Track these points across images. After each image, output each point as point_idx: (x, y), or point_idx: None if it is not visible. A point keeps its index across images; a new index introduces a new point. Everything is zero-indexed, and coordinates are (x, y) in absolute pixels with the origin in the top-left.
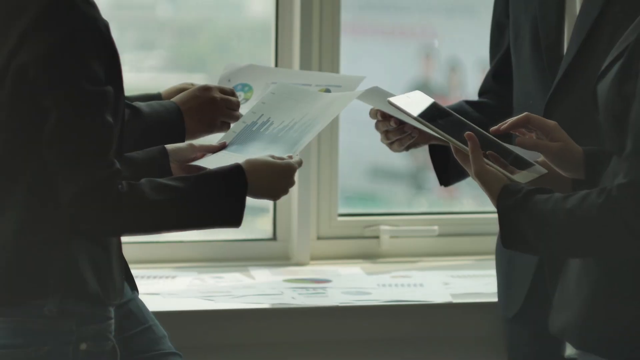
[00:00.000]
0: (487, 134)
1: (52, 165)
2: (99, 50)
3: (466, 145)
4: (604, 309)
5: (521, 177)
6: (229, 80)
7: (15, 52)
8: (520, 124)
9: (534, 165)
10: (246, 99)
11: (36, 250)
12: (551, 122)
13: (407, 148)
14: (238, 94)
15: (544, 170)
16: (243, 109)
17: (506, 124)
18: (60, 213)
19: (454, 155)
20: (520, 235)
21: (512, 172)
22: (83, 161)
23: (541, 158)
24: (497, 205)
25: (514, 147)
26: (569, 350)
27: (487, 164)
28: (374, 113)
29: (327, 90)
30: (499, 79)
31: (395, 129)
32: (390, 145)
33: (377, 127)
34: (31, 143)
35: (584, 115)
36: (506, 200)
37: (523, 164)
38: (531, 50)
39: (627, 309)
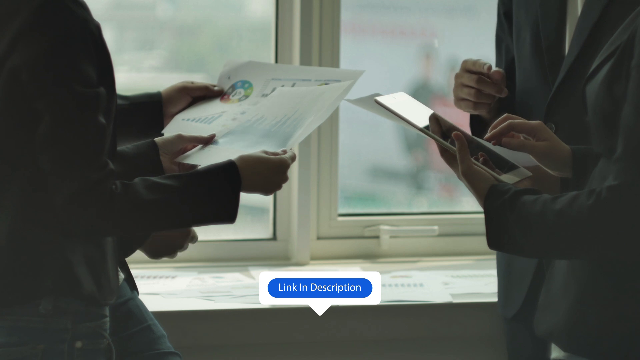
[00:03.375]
0: (472, 136)
1: (45, 167)
2: (91, 52)
3: (453, 145)
4: (591, 310)
5: (508, 178)
6: (229, 78)
7: (8, 55)
8: (504, 132)
9: (518, 167)
10: (246, 96)
11: (31, 250)
12: (535, 122)
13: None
14: (238, 91)
15: (529, 173)
16: (242, 106)
17: (490, 134)
18: (56, 214)
19: (441, 156)
20: (507, 236)
21: (499, 173)
22: (76, 163)
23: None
24: (484, 206)
25: (498, 148)
26: (556, 353)
27: (475, 164)
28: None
29: (327, 84)
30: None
31: (474, 90)
32: (460, 101)
33: (461, 77)
34: (25, 145)
35: (585, 117)
36: (493, 200)
37: (508, 166)
38: (532, 51)
39: (615, 311)
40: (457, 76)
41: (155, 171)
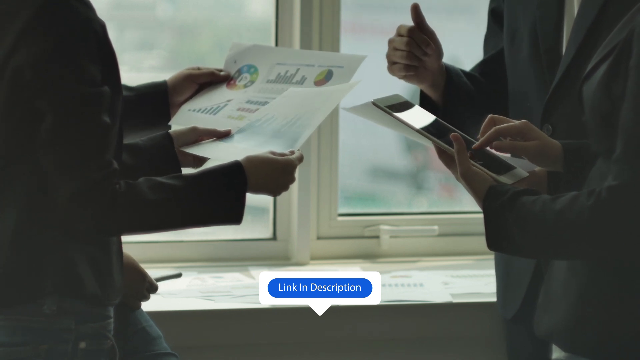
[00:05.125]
0: (469, 137)
1: (48, 166)
2: (95, 51)
3: (451, 146)
4: (592, 310)
5: (506, 178)
6: (235, 62)
7: (11, 54)
8: (492, 139)
9: (515, 168)
10: (252, 81)
11: (35, 250)
12: (520, 123)
13: (405, 77)
14: (244, 75)
15: (526, 174)
16: (249, 92)
17: (478, 143)
18: (58, 213)
19: (438, 158)
20: (506, 237)
21: (497, 174)
22: (78, 162)
23: (538, 168)
24: (483, 207)
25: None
26: (556, 353)
27: (473, 165)
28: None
29: (330, 71)
30: (487, 76)
31: (405, 52)
32: (392, 65)
33: (393, 41)
34: (28, 144)
35: (582, 117)
36: (493, 201)
37: (505, 167)
38: (530, 53)
39: (617, 310)
40: (390, 41)
41: (170, 163)
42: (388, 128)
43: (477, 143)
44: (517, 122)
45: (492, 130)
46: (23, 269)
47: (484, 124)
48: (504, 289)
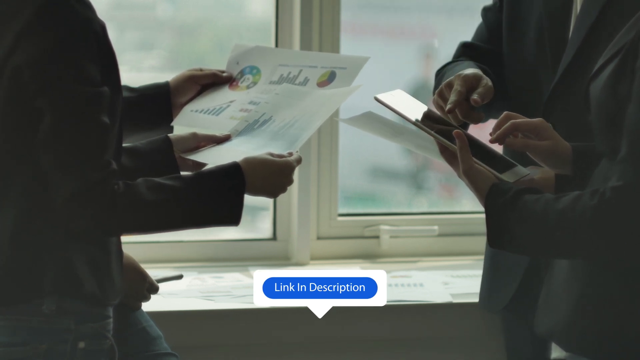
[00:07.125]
0: (471, 135)
1: (47, 166)
2: (95, 51)
3: (454, 143)
4: (594, 309)
5: (508, 176)
6: (237, 63)
7: (11, 54)
8: (508, 133)
9: (517, 165)
10: (254, 83)
11: (33, 250)
12: (537, 121)
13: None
14: (246, 77)
15: (527, 172)
16: (250, 94)
17: (495, 136)
18: (57, 213)
19: (441, 155)
20: (508, 235)
21: (499, 172)
22: (77, 163)
23: (541, 170)
24: (486, 205)
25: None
26: (556, 353)
27: (476, 163)
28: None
29: (333, 72)
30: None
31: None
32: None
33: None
34: (27, 144)
35: (582, 116)
36: (495, 199)
37: (507, 165)
38: (534, 49)
39: (617, 310)
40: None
41: (169, 167)
42: (386, 139)
43: (493, 137)
44: (533, 119)
45: (509, 123)
46: (22, 268)
47: (499, 119)
48: (491, 280)
